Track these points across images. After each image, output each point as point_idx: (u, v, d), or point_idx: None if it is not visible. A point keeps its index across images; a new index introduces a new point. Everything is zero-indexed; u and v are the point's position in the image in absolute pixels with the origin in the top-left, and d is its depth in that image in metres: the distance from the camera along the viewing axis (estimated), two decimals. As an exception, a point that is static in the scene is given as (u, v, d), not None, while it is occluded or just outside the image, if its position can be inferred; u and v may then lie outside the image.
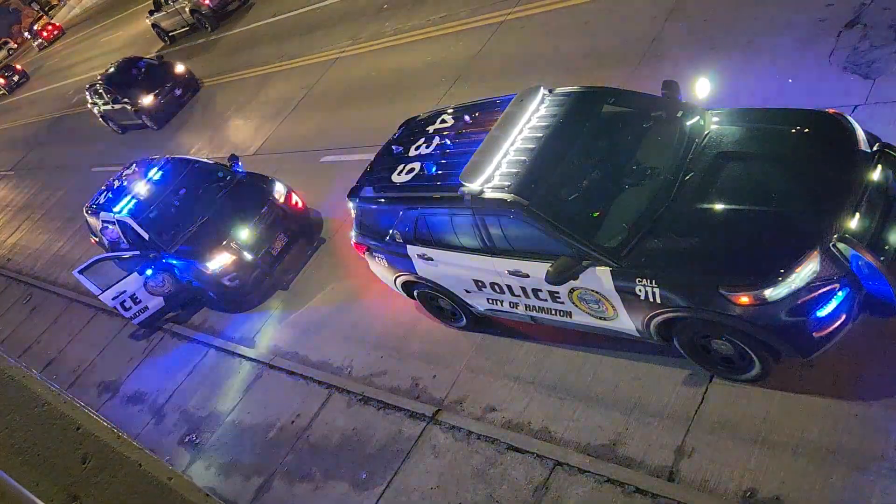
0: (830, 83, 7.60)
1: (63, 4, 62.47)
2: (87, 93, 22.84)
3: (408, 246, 7.23)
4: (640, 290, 5.45)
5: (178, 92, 20.74)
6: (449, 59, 13.33)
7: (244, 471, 8.32)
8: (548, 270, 5.68)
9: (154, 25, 27.66)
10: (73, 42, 47.69)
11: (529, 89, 6.75)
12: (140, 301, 11.28)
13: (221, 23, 24.89)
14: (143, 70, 21.24)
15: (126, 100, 20.70)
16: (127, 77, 21.19)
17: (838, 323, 5.01)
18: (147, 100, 20.29)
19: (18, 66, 46.82)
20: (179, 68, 21.15)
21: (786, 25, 8.67)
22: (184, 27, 26.53)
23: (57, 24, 57.02)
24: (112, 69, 21.92)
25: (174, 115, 20.68)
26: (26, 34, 60.23)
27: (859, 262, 4.87)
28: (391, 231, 7.32)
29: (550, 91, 6.78)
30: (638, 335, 5.96)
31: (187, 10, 25.15)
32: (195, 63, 22.89)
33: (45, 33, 55.19)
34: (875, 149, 5.40)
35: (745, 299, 4.99)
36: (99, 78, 22.09)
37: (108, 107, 21.77)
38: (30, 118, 34.29)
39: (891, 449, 4.91)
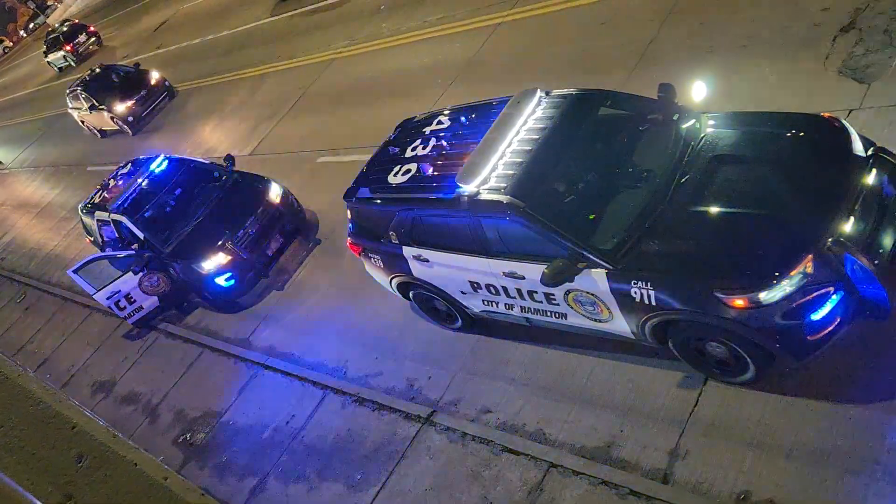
0: (825, 87, 7.64)
1: (57, 5, 61.90)
2: (67, 97, 23.30)
3: (403, 247, 7.22)
4: (635, 293, 5.46)
5: (153, 97, 21.21)
6: (446, 61, 13.33)
7: (238, 471, 8.30)
8: (543, 272, 5.69)
9: None
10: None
11: (526, 91, 6.75)
12: (135, 301, 11.27)
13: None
14: (120, 76, 21.79)
15: (103, 106, 21.29)
16: (104, 83, 21.76)
17: (833, 326, 5.03)
18: (122, 107, 20.86)
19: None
20: (155, 75, 21.65)
21: (781, 29, 8.70)
22: None
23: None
24: (89, 75, 22.52)
25: (149, 121, 21.14)
26: (22, 33, 59.98)
27: (853, 266, 4.90)
28: (387, 232, 7.32)
29: (547, 93, 6.78)
30: (633, 337, 5.97)
31: None
32: (187, 64, 22.77)
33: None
34: (870, 153, 5.43)
35: (739, 302, 5.01)
36: (77, 84, 22.68)
37: (87, 113, 22.34)
38: (24, 116, 34.13)
39: (885, 452, 4.92)
